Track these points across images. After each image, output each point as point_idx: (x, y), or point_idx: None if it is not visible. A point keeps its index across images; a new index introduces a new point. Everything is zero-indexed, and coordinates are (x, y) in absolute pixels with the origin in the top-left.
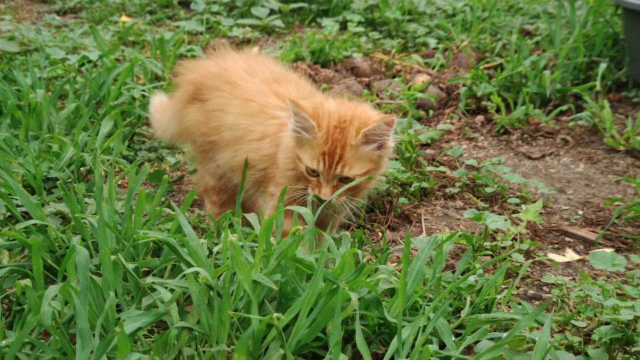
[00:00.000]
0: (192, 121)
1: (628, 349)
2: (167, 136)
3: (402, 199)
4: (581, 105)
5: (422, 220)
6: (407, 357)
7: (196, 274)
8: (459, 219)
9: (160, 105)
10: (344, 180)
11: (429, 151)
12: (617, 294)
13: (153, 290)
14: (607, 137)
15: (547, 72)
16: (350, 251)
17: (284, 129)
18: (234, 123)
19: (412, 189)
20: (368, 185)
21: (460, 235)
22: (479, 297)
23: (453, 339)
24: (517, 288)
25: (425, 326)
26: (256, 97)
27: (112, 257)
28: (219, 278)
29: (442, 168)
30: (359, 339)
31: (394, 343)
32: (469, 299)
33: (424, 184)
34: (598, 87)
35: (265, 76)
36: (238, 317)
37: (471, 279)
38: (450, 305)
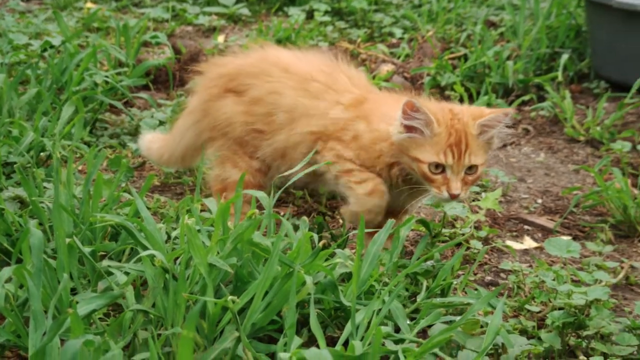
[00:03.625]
0: (229, 113)
1: (580, 333)
2: (175, 157)
3: None
4: (543, 95)
5: None
6: (362, 340)
7: (152, 257)
8: (419, 206)
9: (153, 137)
10: (468, 171)
11: None
12: (572, 280)
13: (109, 274)
14: (567, 127)
15: (510, 63)
16: (306, 235)
17: (365, 105)
18: (293, 104)
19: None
20: (482, 176)
21: (417, 221)
22: (435, 282)
23: (408, 322)
24: (475, 274)
25: (380, 310)
26: (319, 76)
27: (67, 240)
28: (175, 261)
29: None
30: (314, 322)
31: (348, 326)
32: (425, 283)
33: None
34: (560, 78)
35: (318, 63)
36: (193, 299)
37: (428, 264)
38: (407, 290)
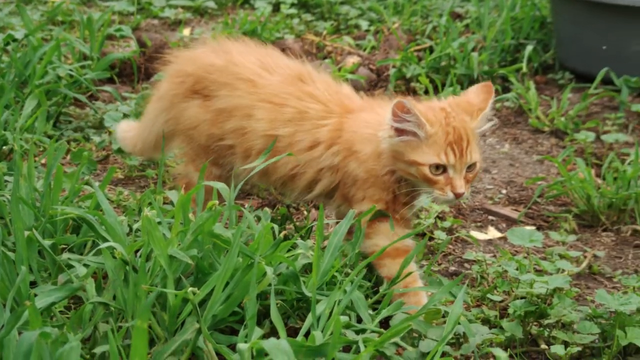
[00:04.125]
0: (194, 118)
1: (542, 321)
2: (148, 145)
3: None
4: (508, 86)
5: None
6: (323, 330)
7: (112, 249)
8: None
9: (127, 126)
10: (468, 169)
11: None
12: (535, 270)
13: (70, 266)
14: (532, 118)
15: (475, 54)
16: (267, 226)
17: (344, 135)
18: (269, 130)
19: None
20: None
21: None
22: (397, 272)
23: (371, 312)
24: (439, 264)
25: (341, 300)
26: (288, 100)
27: (27, 233)
28: (136, 254)
29: None
30: (274, 312)
31: (309, 317)
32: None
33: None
34: (524, 69)
35: (286, 73)
36: (153, 291)
37: None
38: (370, 281)
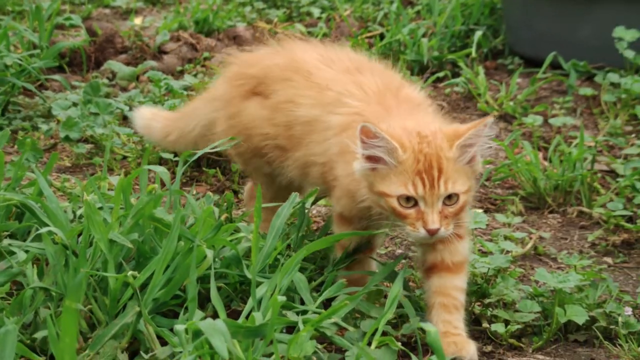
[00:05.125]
0: (250, 117)
1: (483, 301)
2: (187, 140)
3: None
4: (458, 72)
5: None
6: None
7: (51, 234)
8: None
9: (152, 114)
10: (447, 201)
11: None
12: (481, 252)
13: (12, 253)
14: (481, 102)
15: (424, 40)
16: (208, 209)
17: (351, 122)
18: (306, 115)
19: None
20: (467, 207)
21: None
22: (342, 254)
23: (315, 295)
24: (386, 247)
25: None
26: (335, 84)
27: None
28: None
29: None
30: (214, 294)
31: (251, 299)
32: (332, 257)
33: None
34: (474, 54)
35: (345, 65)
36: (93, 275)
37: None
38: (314, 263)
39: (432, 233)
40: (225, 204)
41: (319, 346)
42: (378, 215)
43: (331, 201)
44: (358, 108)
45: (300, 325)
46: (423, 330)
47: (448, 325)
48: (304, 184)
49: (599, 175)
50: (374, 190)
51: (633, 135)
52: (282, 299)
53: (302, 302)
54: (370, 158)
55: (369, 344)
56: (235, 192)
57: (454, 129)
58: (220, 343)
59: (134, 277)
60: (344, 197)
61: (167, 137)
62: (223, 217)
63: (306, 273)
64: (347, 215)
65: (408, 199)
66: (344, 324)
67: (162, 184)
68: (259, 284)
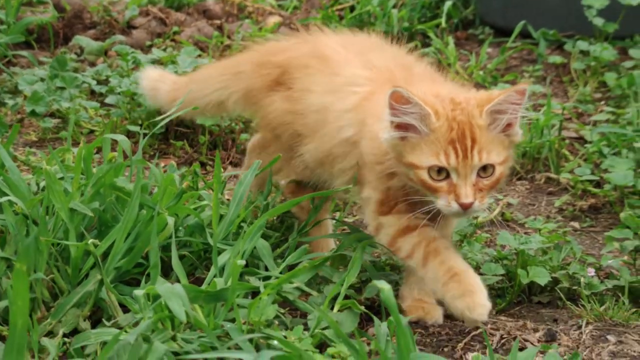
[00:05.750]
0: (278, 111)
1: None
2: (202, 104)
3: (244, 135)
4: (428, 43)
5: None
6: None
7: (12, 204)
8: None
9: (160, 76)
10: (482, 173)
11: None
12: None
13: None
14: (451, 72)
15: (394, 11)
16: (169, 177)
17: (365, 104)
18: (319, 103)
19: (254, 125)
20: (504, 180)
21: None
22: (306, 221)
23: (280, 261)
24: (354, 215)
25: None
26: (342, 69)
27: None
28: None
29: None
30: (175, 261)
31: (213, 267)
32: (296, 224)
33: None
34: (444, 25)
35: (359, 48)
36: (55, 245)
37: None
38: (277, 231)
39: (465, 207)
40: (192, 175)
41: (282, 310)
42: (410, 189)
43: (364, 194)
44: (368, 91)
45: (261, 288)
46: None
47: (422, 293)
48: (326, 178)
49: (567, 142)
50: (403, 162)
51: (602, 102)
52: (241, 262)
53: (268, 270)
54: (399, 126)
55: (332, 308)
56: (203, 164)
57: (488, 94)
58: (178, 306)
59: (95, 246)
60: (371, 177)
61: (172, 101)
62: (184, 185)
63: (271, 240)
64: (383, 200)
65: (439, 170)
66: (307, 289)
67: (127, 156)
68: (222, 251)
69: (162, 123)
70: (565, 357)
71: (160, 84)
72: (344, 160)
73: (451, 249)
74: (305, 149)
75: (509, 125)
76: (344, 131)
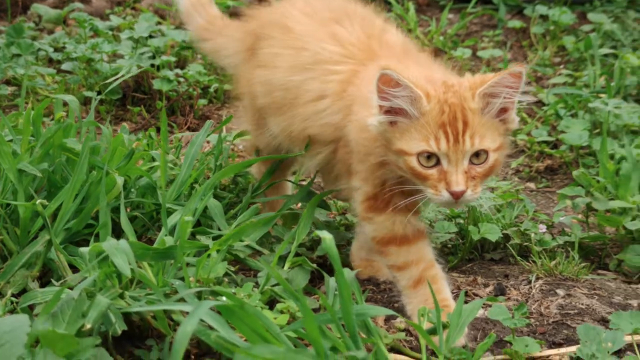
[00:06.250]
0: (251, 81)
1: None
2: (221, 57)
3: (202, 101)
4: (389, 9)
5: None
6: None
7: None
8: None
9: (203, 6)
10: (475, 160)
11: None
12: None
13: None
14: (411, 37)
15: None
16: (118, 137)
17: (350, 88)
18: (286, 80)
19: (212, 90)
20: (498, 168)
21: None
22: (259, 183)
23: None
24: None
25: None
26: (309, 43)
27: None
28: None
29: None
30: (124, 220)
31: (167, 227)
32: (251, 185)
33: (227, 86)
34: None
35: (323, 15)
36: (2, 204)
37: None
38: (232, 192)
39: (456, 196)
40: (148, 139)
41: (232, 269)
42: (401, 178)
43: (353, 183)
44: (349, 71)
45: (210, 244)
46: None
47: (371, 253)
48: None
49: (526, 104)
50: (392, 149)
51: (562, 66)
52: (189, 219)
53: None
54: (389, 111)
55: (284, 266)
56: (159, 130)
57: (481, 77)
58: (123, 262)
59: (44, 206)
60: (361, 167)
61: (204, 42)
62: (135, 145)
63: (224, 201)
64: (376, 194)
65: (429, 156)
66: (257, 247)
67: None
68: (174, 211)
69: (112, 87)
70: (512, 309)
71: (195, 14)
72: (323, 146)
73: (445, 277)
74: (273, 122)
75: (503, 110)
76: (325, 117)
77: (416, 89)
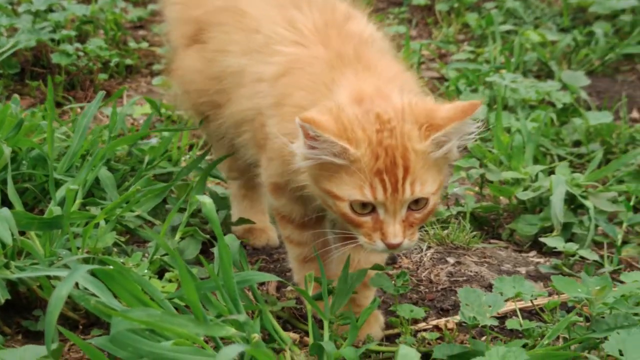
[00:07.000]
0: (187, 70)
1: None
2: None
3: (102, 75)
4: None
5: (125, 96)
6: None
7: None
8: (163, 94)
9: None
10: (414, 206)
11: (141, 32)
12: None
13: None
14: None
15: None
16: (5, 107)
17: (286, 77)
18: (236, 65)
19: (113, 65)
20: (436, 208)
21: (149, 102)
22: (154, 154)
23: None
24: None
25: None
26: (262, 26)
27: None
28: None
29: (144, 44)
30: (11, 191)
31: (55, 197)
32: (147, 158)
33: (129, 61)
34: None
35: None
36: None
37: (152, 140)
38: (128, 165)
39: (392, 247)
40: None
41: (122, 239)
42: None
43: (261, 165)
44: (294, 55)
45: (98, 213)
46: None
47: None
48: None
49: (427, 79)
50: (320, 187)
51: (465, 43)
52: (74, 187)
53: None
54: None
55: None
56: (59, 104)
57: (429, 109)
58: (4, 230)
59: None
60: (275, 160)
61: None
62: (23, 115)
63: (118, 174)
64: (280, 183)
65: (364, 205)
66: (149, 217)
67: None
68: (65, 182)
69: (4, 56)
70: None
71: None
72: (250, 125)
73: (339, 258)
74: (224, 114)
75: (450, 147)
76: (258, 98)
77: (339, 141)
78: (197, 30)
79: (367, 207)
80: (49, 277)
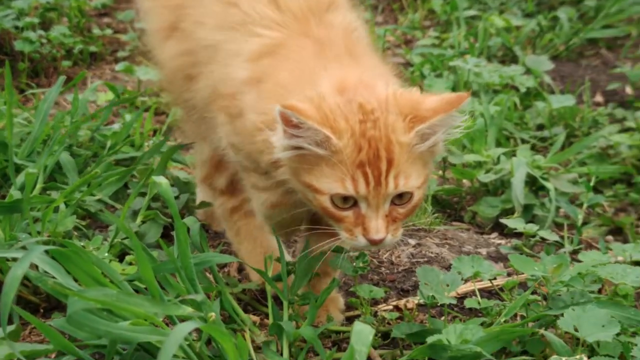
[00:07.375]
0: (168, 58)
1: None
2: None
3: (66, 62)
4: None
5: (89, 83)
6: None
7: None
8: (127, 81)
9: None
10: (398, 201)
11: (105, 20)
12: None
13: None
14: None
15: None
16: None
17: (265, 63)
18: (210, 38)
19: (77, 52)
20: (421, 203)
21: (110, 87)
22: (116, 139)
23: None
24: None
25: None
26: (241, 1)
27: None
28: None
29: (108, 32)
30: None
31: (15, 183)
32: (109, 142)
33: (93, 48)
34: None
35: None
36: None
37: (115, 126)
38: (90, 150)
39: (374, 243)
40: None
41: (83, 223)
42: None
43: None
44: (276, 39)
45: (58, 196)
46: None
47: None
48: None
49: (392, 65)
50: (300, 180)
51: (431, 29)
52: (33, 171)
53: None
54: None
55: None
56: (22, 91)
57: (414, 100)
58: None
59: None
60: (245, 143)
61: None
62: None
63: (80, 159)
64: (248, 166)
65: (346, 198)
66: (110, 201)
67: None
68: (26, 167)
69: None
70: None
71: None
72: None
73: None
74: (196, 90)
75: (436, 141)
76: (232, 71)
77: (322, 129)
78: (176, 19)
79: (349, 201)
80: (7, 259)
